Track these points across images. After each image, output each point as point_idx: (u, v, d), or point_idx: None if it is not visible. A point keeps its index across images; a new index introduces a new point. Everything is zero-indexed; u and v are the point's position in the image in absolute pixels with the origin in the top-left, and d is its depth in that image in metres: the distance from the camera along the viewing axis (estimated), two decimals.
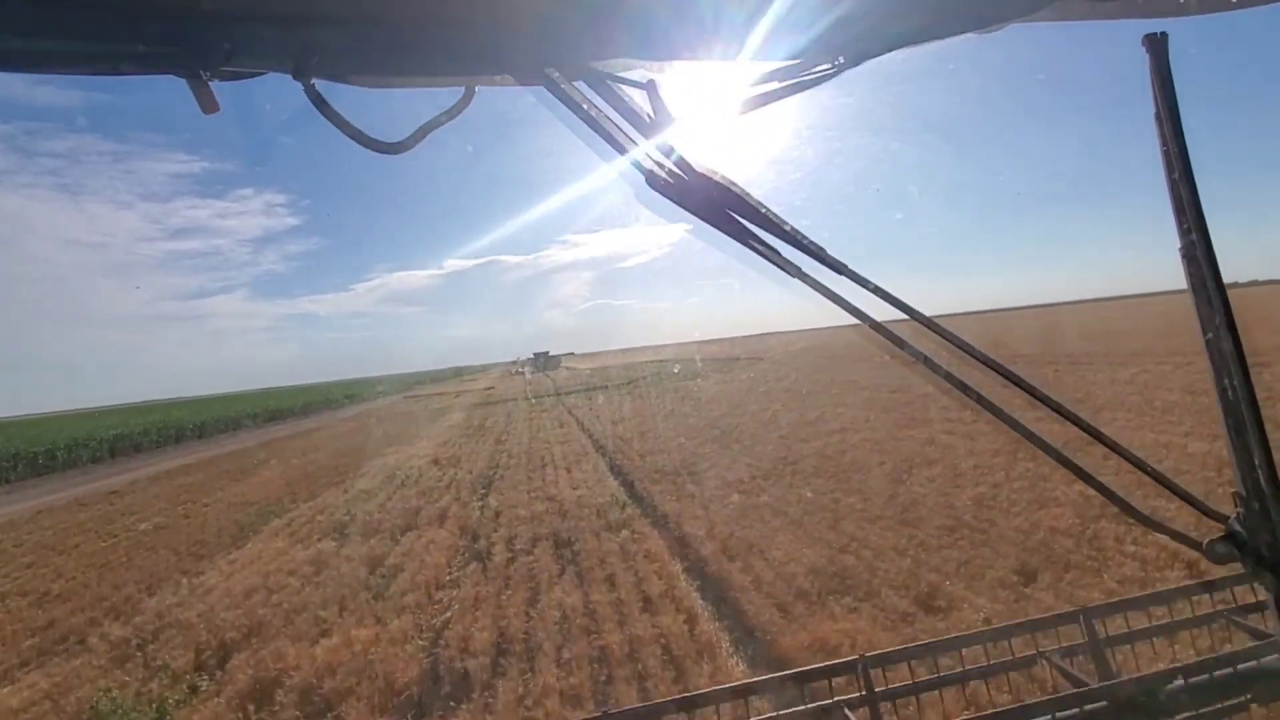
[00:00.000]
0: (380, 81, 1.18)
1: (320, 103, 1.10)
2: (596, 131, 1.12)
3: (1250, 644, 1.84)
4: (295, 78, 1.08)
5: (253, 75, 1.10)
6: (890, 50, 1.21)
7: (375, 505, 16.56)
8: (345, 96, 1.14)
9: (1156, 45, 1.38)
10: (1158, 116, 1.42)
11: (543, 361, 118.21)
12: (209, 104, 1.07)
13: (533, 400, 51.04)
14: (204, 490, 23.60)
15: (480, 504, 15.75)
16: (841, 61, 1.20)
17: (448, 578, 10.98)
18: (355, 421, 51.42)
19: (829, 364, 50.90)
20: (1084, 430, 1.31)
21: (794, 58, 1.20)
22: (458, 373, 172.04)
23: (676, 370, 64.52)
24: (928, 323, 1.23)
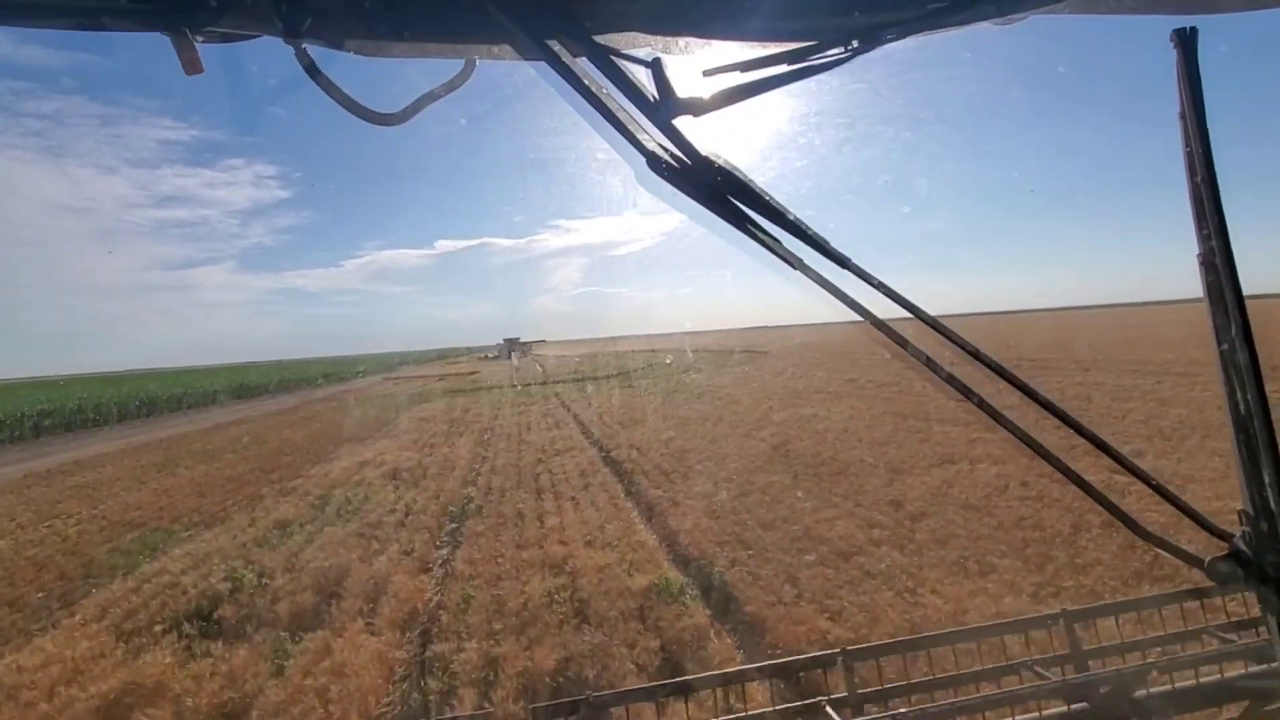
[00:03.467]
0: (376, 49, 1.14)
1: (312, 69, 1.08)
2: (597, 109, 1.05)
3: (1252, 666, 1.89)
4: (286, 41, 1.05)
5: (242, 38, 1.07)
6: (906, 36, 1.17)
7: (283, 556, 10.94)
8: (340, 65, 1.12)
9: (1186, 41, 1.31)
10: (1182, 115, 1.35)
11: (511, 348, 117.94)
12: (193, 64, 1.02)
13: (519, 388, 45.38)
14: (90, 497, 17.84)
15: (443, 567, 10.20)
16: (855, 46, 1.14)
17: None
18: (322, 405, 45.50)
19: (838, 360, 45.59)
20: (1086, 439, 1.25)
21: (806, 39, 1.15)
22: (443, 355, 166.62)
23: (670, 361, 59.17)
24: (931, 322, 1.17)
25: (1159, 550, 1.40)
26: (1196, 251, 1.37)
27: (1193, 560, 1.33)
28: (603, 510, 12.51)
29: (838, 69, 1.15)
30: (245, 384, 66.70)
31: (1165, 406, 19.58)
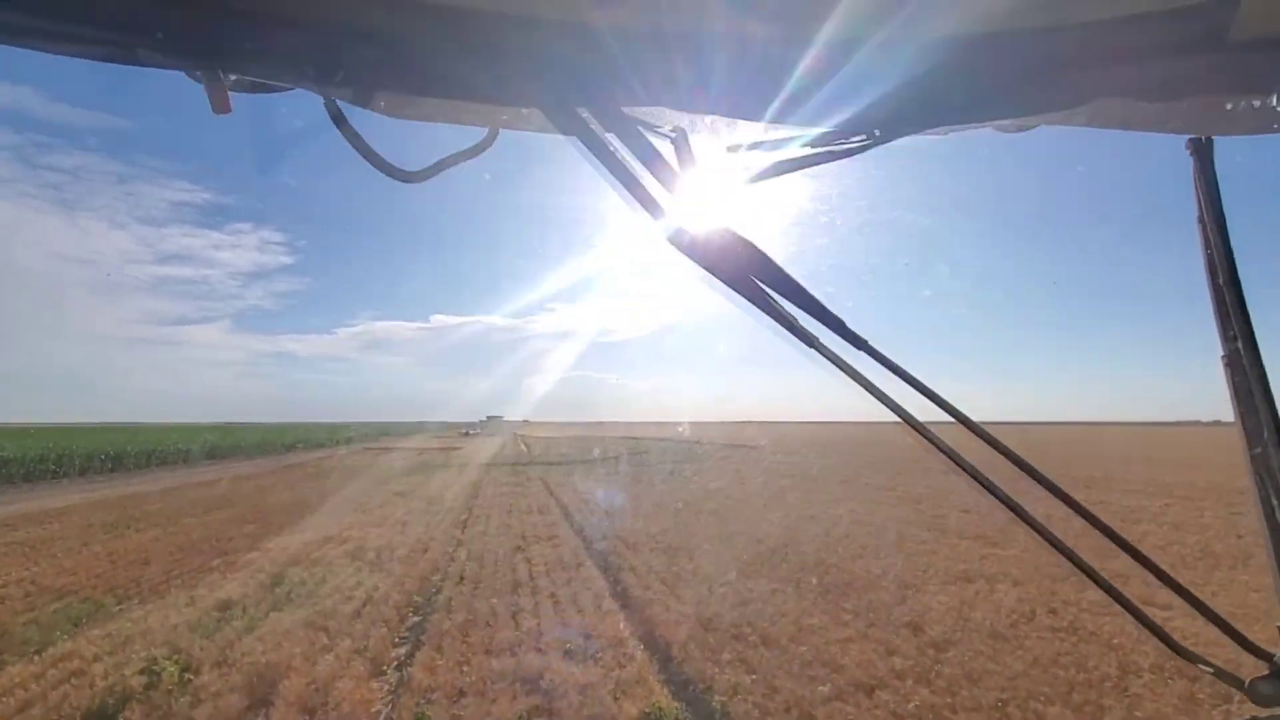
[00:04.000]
0: (403, 106, 1.15)
1: (339, 119, 1.10)
2: (619, 178, 1.05)
3: None
4: (316, 90, 1.08)
5: (273, 87, 1.08)
6: (926, 130, 1.20)
7: (217, 646, 9.50)
8: (366, 124, 1.14)
9: (1201, 150, 1.35)
10: (1201, 220, 1.38)
11: (494, 427, 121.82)
12: (221, 103, 1.02)
13: (503, 467, 43.75)
14: (26, 556, 16.15)
15: (399, 671, 8.81)
16: (877, 135, 1.17)
17: None
18: (298, 471, 43.60)
19: (830, 456, 44.52)
20: (1126, 550, 1.24)
21: (829, 126, 1.18)
22: (427, 428, 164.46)
23: (656, 448, 57.76)
24: (949, 409, 1.12)
25: (1199, 668, 1.31)
26: (1220, 354, 1.38)
27: (1233, 681, 1.27)
28: (586, 612, 11.18)
29: (859, 155, 1.18)
30: (221, 444, 64.56)
31: (1180, 532, 18.60)
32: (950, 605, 11.40)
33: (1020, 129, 1.29)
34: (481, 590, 12.54)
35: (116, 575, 14.74)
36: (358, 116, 1.11)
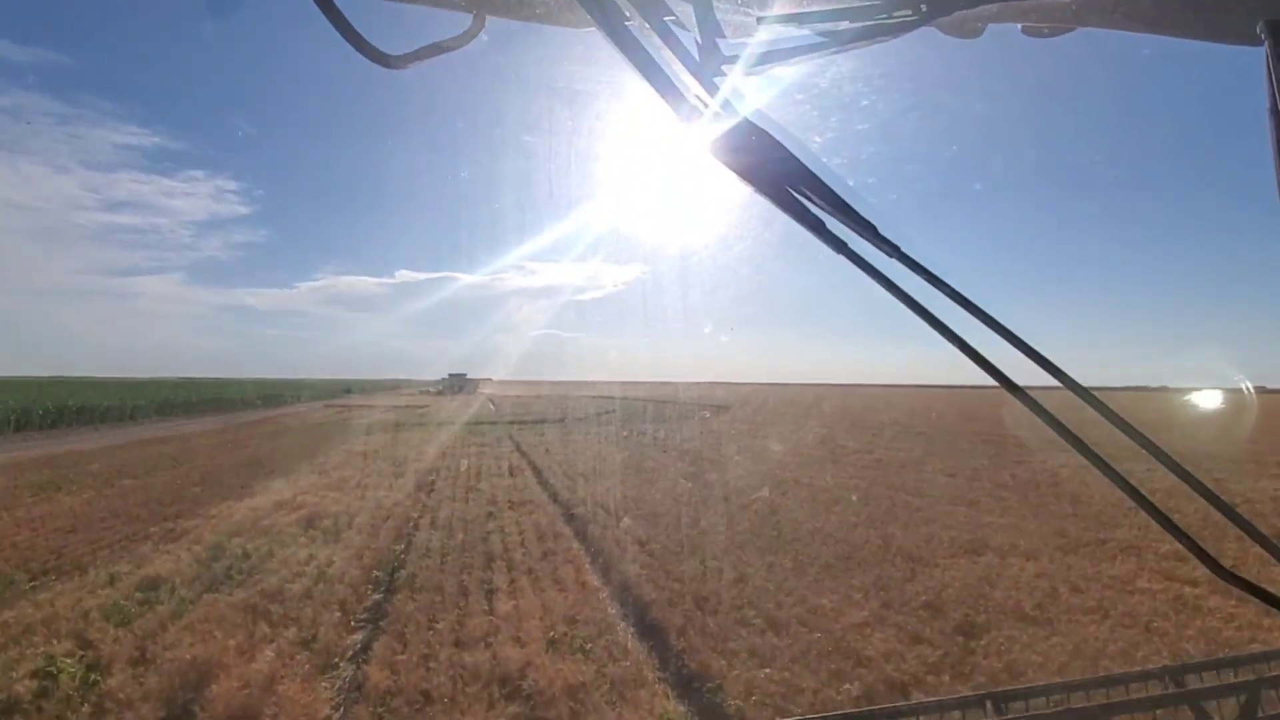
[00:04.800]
0: None
1: None
2: (631, 57, 0.89)
3: None
4: None
5: None
6: (974, 6, 1.10)
7: (135, 636, 8.04)
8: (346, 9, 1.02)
9: (1277, 32, 1.22)
10: (1273, 110, 1.24)
11: (458, 384, 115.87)
12: None
13: (470, 425, 42.25)
14: None
15: (353, 665, 7.52)
16: (925, 9, 1.06)
17: None
18: (252, 429, 41.42)
19: (800, 417, 44.14)
20: (1174, 471, 1.06)
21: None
22: (391, 386, 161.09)
23: (629, 407, 56.80)
24: (985, 318, 0.96)
25: (1242, 591, 1.18)
26: None
27: (1277, 603, 1.18)
28: (569, 591, 9.99)
29: (904, 35, 1.08)
30: (173, 400, 61.55)
31: None
32: (966, 581, 10.49)
33: (1061, 30, 1.22)
34: (450, 566, 11.24)
35: (36, 545, 13.09)
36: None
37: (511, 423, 44.75)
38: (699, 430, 38.92)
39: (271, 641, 8.00)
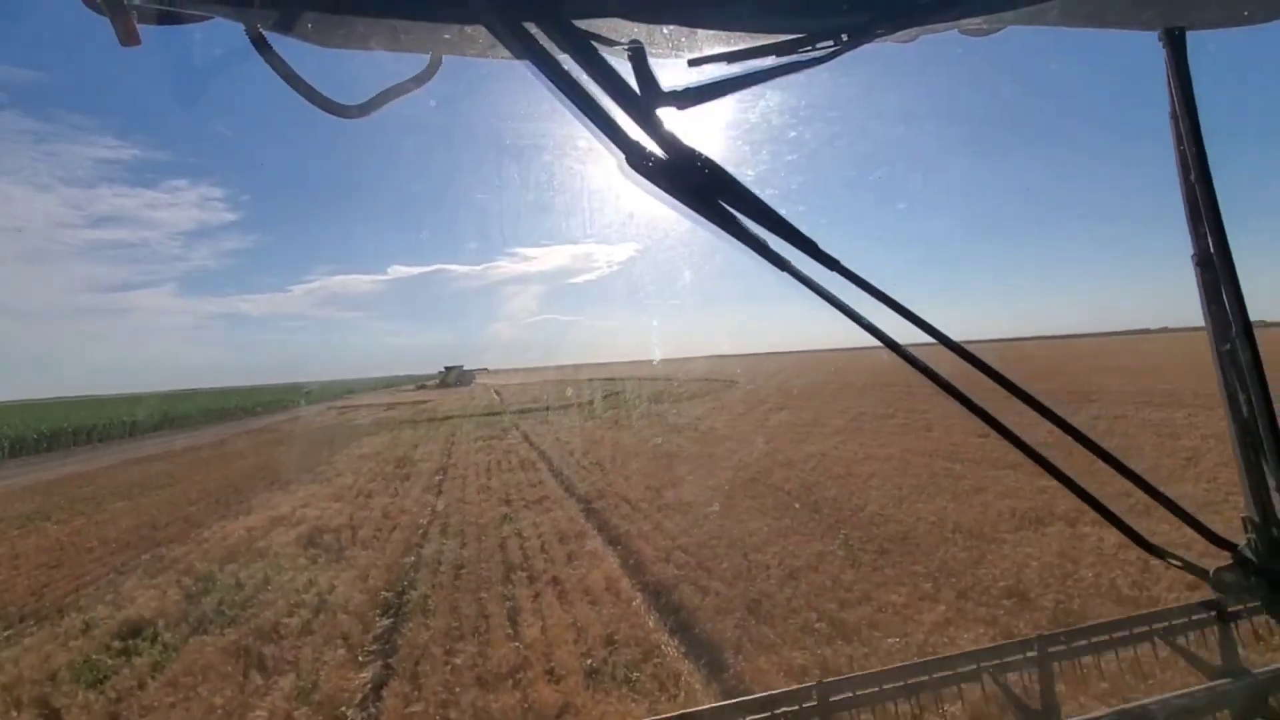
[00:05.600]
0: (333, 32, 0.99)
1: (263, 45, 0.97)
2: (575, 101, 0.95)
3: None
4: (234, 17, 0.95)
5: (184, 18, 0.95)
6: (896, 31, 1.12)
7: (106, 700, 6.93)
8: (296, 57, 1.01)
9: (1175, 41, 1.29)
10: (1173, 115, 1.32)
11: (455, 376, 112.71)
12: (129, 34, 0.87)
13: (475, 418, 41.09)
14: None
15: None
16: (845, 40, 1.08)
17: None
18: (250, 439, 40.29)
19: (811, 388, 42.95)
20: (1092, 451, 1.20)
21: (795, 31, 1.09)
22: (389, 383, 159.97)
23: (636, 388, 55.68)
24: (923, 325, 1.09)
25: (1167, 562, 1.27)
26: (1191, 253, 1.36)
27: (1197, 571, 1.28)
28: (601, 604, 8.85)
29: (828, 63, 1.10)
30: (170, 414, 60.43)
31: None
32: (1044, 560, 9.35)
33: (990, 30, 1.22)
34: (465, 580, 10.10)
35: (15, 586, 12.00)
36: (286, 47, 0.99)
37: (518, 412, 43.59)
38: (711, 407, 37.71)
39: (264, 695, 6.86)
